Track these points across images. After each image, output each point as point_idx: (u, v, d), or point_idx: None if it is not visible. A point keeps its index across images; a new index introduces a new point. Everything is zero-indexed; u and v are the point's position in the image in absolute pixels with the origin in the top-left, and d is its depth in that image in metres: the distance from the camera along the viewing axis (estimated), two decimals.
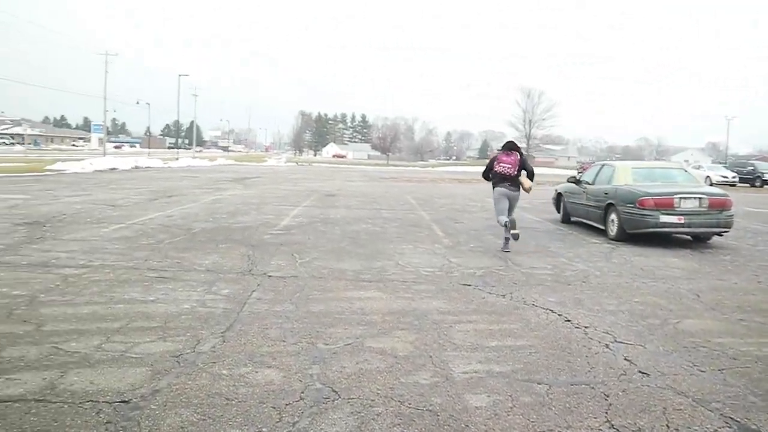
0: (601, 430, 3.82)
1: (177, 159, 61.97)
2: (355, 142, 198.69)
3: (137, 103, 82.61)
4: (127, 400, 4.03)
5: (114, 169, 39.51)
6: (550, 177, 50.98)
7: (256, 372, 4.60)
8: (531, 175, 11.14)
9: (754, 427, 3.94)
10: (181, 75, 77.43)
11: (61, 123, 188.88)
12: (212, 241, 10.85)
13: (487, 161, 11.87)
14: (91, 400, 3.99)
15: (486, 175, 11.53)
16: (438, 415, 3.95)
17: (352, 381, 4.49)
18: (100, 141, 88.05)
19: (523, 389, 4.43)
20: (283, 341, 5.35)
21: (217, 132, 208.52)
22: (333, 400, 4.13)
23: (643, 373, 4.84)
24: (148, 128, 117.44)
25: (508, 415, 3.99)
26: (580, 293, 7.67)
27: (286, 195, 22.84)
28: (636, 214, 11.94)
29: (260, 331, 5.63)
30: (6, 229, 11.51)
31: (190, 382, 4.35)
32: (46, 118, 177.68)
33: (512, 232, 10.59)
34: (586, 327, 6.11)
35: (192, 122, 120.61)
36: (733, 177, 43.76)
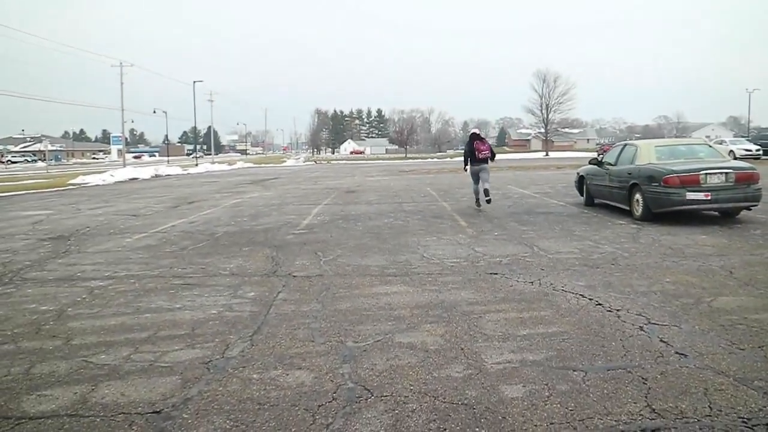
0: (642, 414, 3.72)
1: (196, 165, 62.31)
2: (372, 137, 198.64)
3: (154, 112, 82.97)
4: (159, 410, 4.00)
5: (134, 179, 39.84)
6: (570, 161, 50.48)
7: (287, 374, 4.56)
8: (493, 156, 15.98)
9: None
10: (196, 81, 77.34)
11: (80, 137, 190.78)
12: (235, 244, 10.85)
13: (465, 148, 16.41)
14: (123, 413, 3.97)
15: (467, 158, 15.93)
16: (474, 409, 3.88)
17: (384, 378, 4.43)
18: (120, 152, 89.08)
19: (558, 377, 4.34)
20: (312, 341, 5.30)
21: (235, 136, 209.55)
22: (366, 399, 4.07)
23: (680, 354, 4.73)
24: (166, 136, 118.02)
25: (546, 404, 3.91)
26: (610, 276, 7.54)
27: (306, 194, 22.84)
28: (661, 192, 11.74)
29: (288, 332, 5.59)
30: (31, 245, 11.61)
31: (221, 389, 4.31)
32: (66, 133, 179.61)
33: (486, 198, 15.23)
34: (618, 310, 5.99)
35: (209, 128, 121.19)
36: (757, 150, 42.93)
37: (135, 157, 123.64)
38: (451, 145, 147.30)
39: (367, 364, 4.71)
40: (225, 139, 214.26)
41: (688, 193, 11.46)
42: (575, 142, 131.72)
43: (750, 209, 12.37)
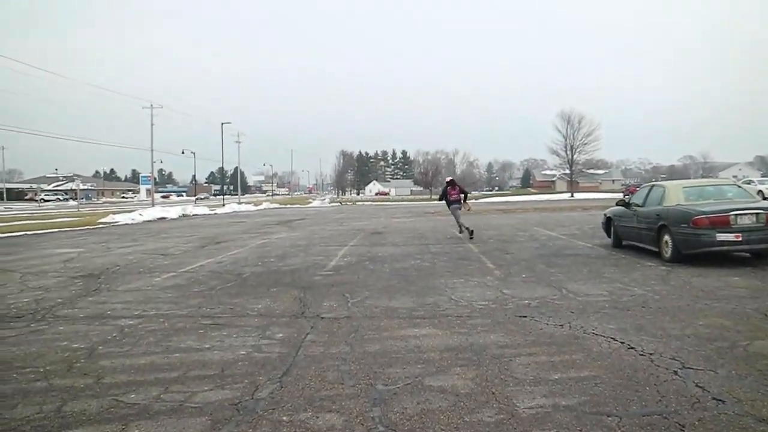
0: None
1: (223, 205, 62.94)
2: (397, 178, 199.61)
3: (182, 152, 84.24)
4: None
5: (163, 218, 40.34)
6: (596, 202, 50.20)
7: (317, 417, 4.53)
8: (466, 195, 20.47)
9: None
10: (224, 123, 78.75)
11: (110, 176, 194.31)
12: (263, 285, 10.89)
13: (441, 192, 21.51)
14: None
15: (441, 198, 20.99)
16: None
17: (414, 422, 4.38)
18: (148, 192, 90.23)
19: (593, 423, 4.26)
20: (342, 384, 5.28)
21: (261, 176, 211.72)
22: None
23: (717, 400, 4.62)
24: (194, 176, 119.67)
25: None
26: (641, 318, 7.42)
27: (333, 235, 22.92)
28: (691, 234, 11.61)
29: (318, 374, 5.57)
30: (63, 282, 11.76)
31: (250, 431, 4.30)
32: (97, 172, 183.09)
33: (467, 229, 19.42)
34: (651, 354, 5.88)
35: (236, 168, 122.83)
36: None
37: (163, 197, 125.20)
38: (475, 186, 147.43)
39: (398, 408, 4.67)
40: (251, 180, 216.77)
41: (718, 235, 11.32)
42: (600, 183, 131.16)
43: None
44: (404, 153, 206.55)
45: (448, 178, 21.88)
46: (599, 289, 9.53)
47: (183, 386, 5.33)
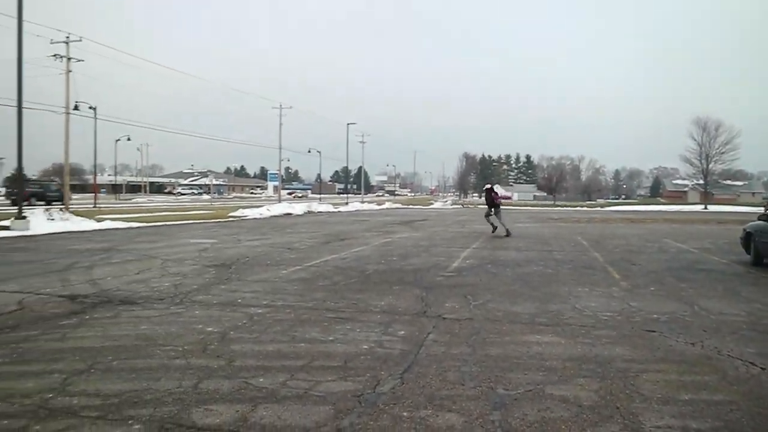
0: None
1: (346, 204, 64.33)
2: (519, 183, 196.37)
3: (309, 151, 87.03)
4: None
5: (288, 214, 41.72)
6: (733, 215, 47.40)
7: (437, 415, 4.56)
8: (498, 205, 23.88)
9: None
10: (350, 123, 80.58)
11: (240, 173, 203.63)
12: (385, 282, 11.06)
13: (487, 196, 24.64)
14: None
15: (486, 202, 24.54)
16: None
17: (535, 430, 4.32)
18: (275, 188, 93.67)
19: None
20: (462, 384, 5.28)
21: (384, 177, 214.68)
22: None
23: None
24: (319, 175, 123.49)
25: None
26: None
27: (455, 237, 22.91)
28: None
29: (438, 373, 5.59)
30: (198, 270, 12.45)
31: (372, 423, 4.39)
32: (228, 168, 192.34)
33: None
34: None
35: (360, 168, 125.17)
36: None
37: (289, 194, 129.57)
38: (601, 194, 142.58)
39: (518, 414, 4.61)
40: (374, 180, 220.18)
41: None
42: (738, 196, 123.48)
43: None
44: (528, 157, 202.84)
45: (487, 186, 25.96)
46: (736, 309, 8.98)
47: (308, 375, 5.51)
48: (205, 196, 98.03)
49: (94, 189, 59.31)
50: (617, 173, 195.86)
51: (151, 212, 40.49)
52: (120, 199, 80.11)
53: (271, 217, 38.47)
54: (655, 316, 8.40)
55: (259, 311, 8.36)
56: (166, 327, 7.34)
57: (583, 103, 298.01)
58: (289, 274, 12.08)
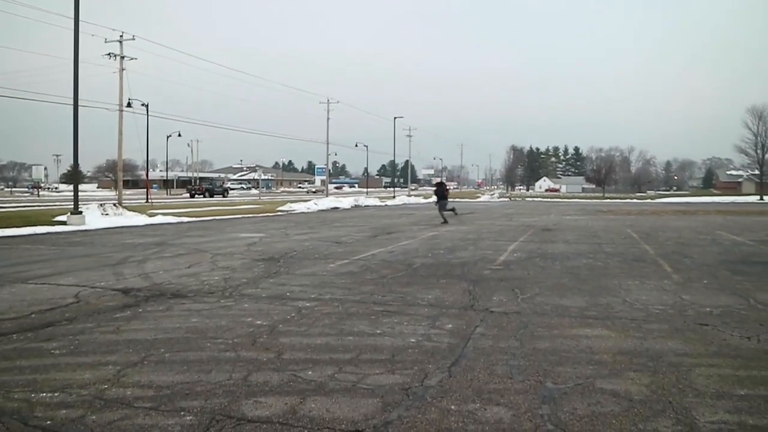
0: None
1: (393, 197, 64.38)
2: (568, 175, 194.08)
3: (356, 145, 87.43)
4: (360, 429, 4.15)
5: (336, 208, 42.00)
6: None
7: (485, 409, 4.53)
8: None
9: None
10: (396, 117, 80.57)
11: (288, 167, 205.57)
12: (433, 276, 11.04)
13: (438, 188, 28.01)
14: (328, 428, 4.17)
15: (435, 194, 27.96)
16: None
17: (585, 424, 4.26)
18: (323, 182, 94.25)
19: None
20: (510, 378, 5.24)
21: (430, 170, 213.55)
22: None
23: None
24: (366, 169, 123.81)
25: None
26: None
27: (502, 230, 22.74)
28: None
29: (486, 367, 5.57)
30: (247, 264, 12.63)
31: (419, 416, 4.39)
32: (276, 163, 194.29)
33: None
34: None
35: (407, 162, 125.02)
36: None
37: (336, 188, 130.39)
38: (651, 185, 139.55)
39: (568, 408, 4.56)
40: (421, 173, 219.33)
41: None
42: None
43: None
44: (576, 149, 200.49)
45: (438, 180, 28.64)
46: None
47: (356, 368, 5.54)
48: (254, 191, 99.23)
49: (146, 185, 60.42)
50: (668, 164, 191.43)
51: (201, 206, 41.24)
52: (171, 195, 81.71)
53: (319, 211, 38.79)
54: (708, 309, 8.21)
55: (308, 305, 8.43)
56: (216, 320, 7.47)
57: (633, 95, 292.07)
58: (336, 267, 12.16)
